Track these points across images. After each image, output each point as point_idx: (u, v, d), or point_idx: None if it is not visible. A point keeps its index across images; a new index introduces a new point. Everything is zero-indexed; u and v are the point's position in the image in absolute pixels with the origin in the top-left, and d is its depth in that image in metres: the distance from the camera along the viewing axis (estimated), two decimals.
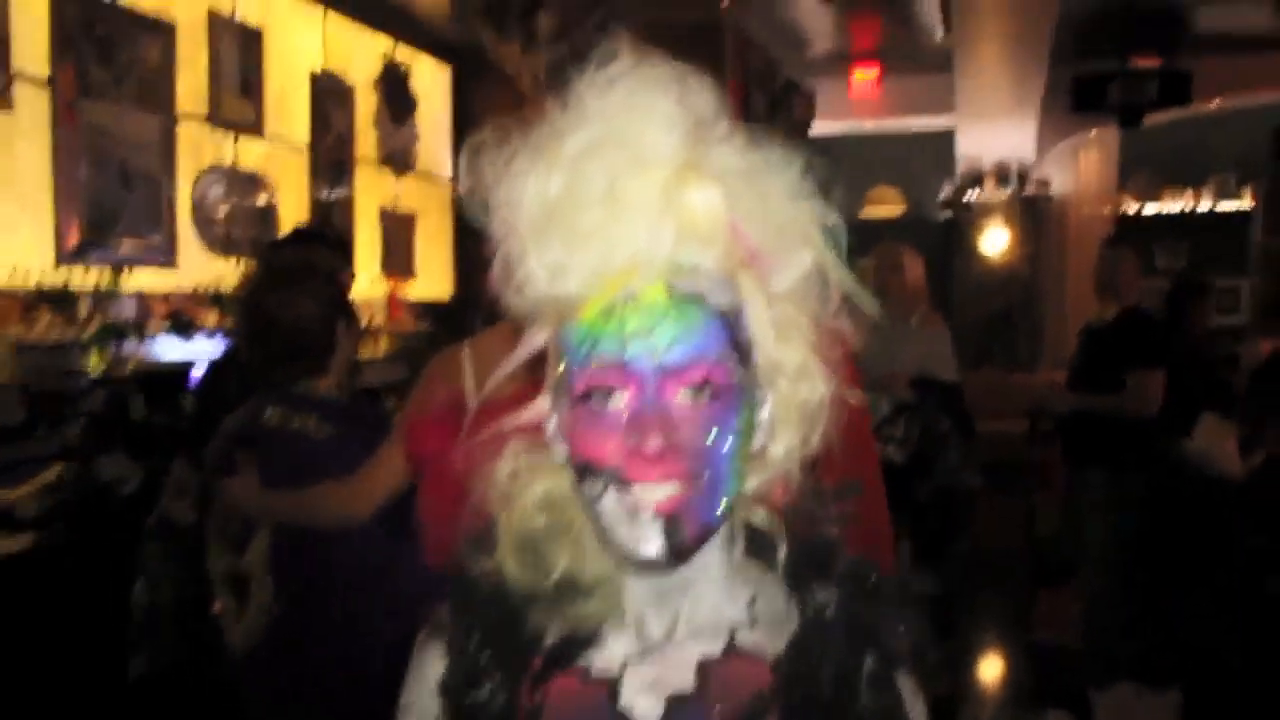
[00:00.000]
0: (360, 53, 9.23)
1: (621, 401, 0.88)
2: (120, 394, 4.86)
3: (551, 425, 0.97)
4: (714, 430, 0.88)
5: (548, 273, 0.88)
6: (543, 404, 0.99)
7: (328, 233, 3.61)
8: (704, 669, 0.95)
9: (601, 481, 0.88)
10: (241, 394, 2.64)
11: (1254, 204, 11.13)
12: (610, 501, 0.88)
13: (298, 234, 3.48)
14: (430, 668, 1.02)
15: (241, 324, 2.54)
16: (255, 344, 2.48)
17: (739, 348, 0.90)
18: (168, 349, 6.39)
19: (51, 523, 3.68)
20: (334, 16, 8.81)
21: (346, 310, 2.58)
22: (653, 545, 0.87)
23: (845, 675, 0.93)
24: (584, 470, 0.89)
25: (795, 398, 0.96)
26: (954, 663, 5.28)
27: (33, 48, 6.05)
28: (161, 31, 6.89)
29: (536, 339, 0.99)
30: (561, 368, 0.92)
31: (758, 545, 1.03)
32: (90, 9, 6.37)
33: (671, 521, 0.87)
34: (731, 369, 0.89)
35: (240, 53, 7.63)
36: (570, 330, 0.91)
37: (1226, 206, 12.12)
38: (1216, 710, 4.07)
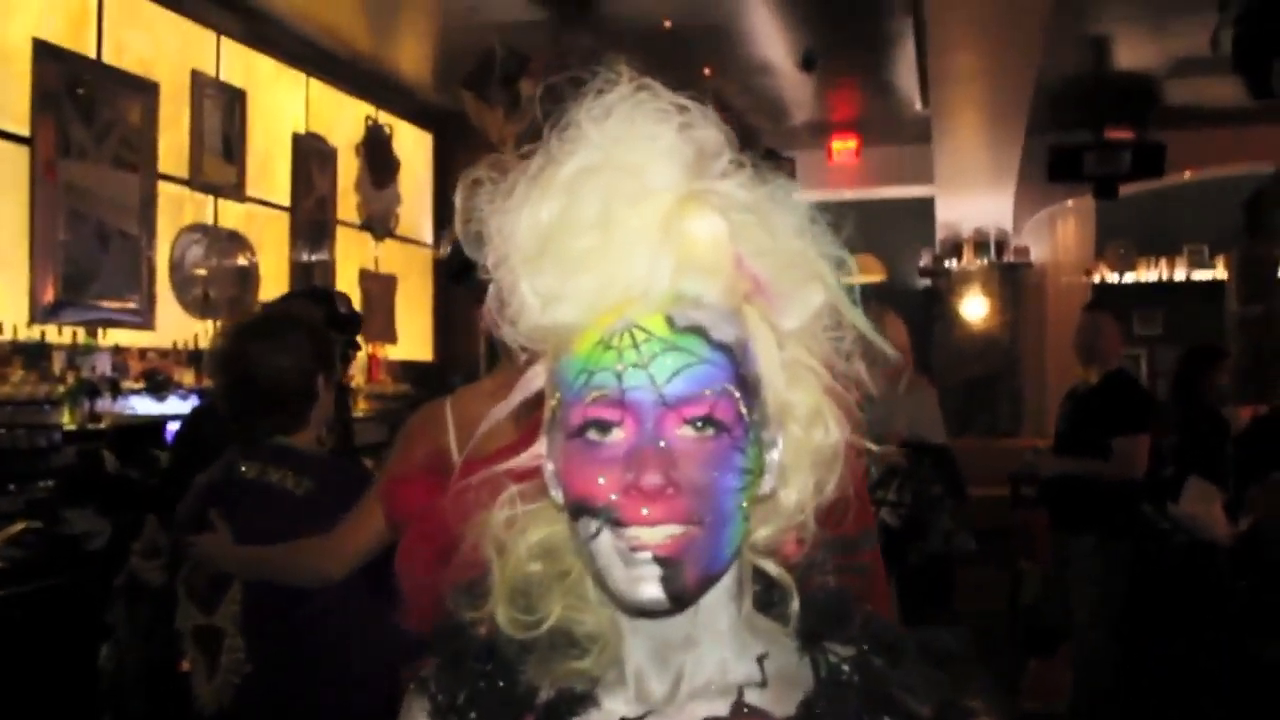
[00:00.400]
0: (343, 116, 9.29)
1: (619, 436, 0.82)
2: (93, 449, 4.77)
3: (549, 469, 0.90)
4: (718, 468, 0.82)
5: (541, 301, 0.84)
6: (540, 448, 0.93)
7: (334, 295, 3.56)
8: None
9: (596, 522, 0.82)
10: (217, 450, 2.58)
11: (1228, 274, 11.28)
12: (605, 543, 0.82)
13: (298, 293, 3.44)
14: None
15: (220, 375, 2.47)
16: (233, 395, 2.42)
17: (745, 383, 0.85)
18: (143, 406, 6.31)
19: (18, 575, 3.58)
20: (316, 83, 8.88)
21: (328, 363, 2.53)
22: (650, 588, 0.81)
23: None
24: (578, 509, 0.83)
25: (808, 443, 0.90)
26: None
27: (13, 104, 6.05)
28: (144, 91, 6.91)
29: (535, 381, 0.94)
30: (555, 401, 0.87)
31: (768, 598, 0.96)
32: (73, 66, 6.39)
33: (671, 565, 0.81)
34: (736, 404, 0.83)
35: (223, 113, 7.66)
36: (565, 363, 0.86)
37: (1200, 276, 12.29)
38: None
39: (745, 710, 0.88)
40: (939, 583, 4.73)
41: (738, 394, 0.83)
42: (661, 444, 0.81)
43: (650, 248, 0.81)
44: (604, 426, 0.82)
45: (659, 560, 0.80)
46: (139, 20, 7.01)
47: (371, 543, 2.18)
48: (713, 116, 0.88)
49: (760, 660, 0.91)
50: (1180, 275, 12.44)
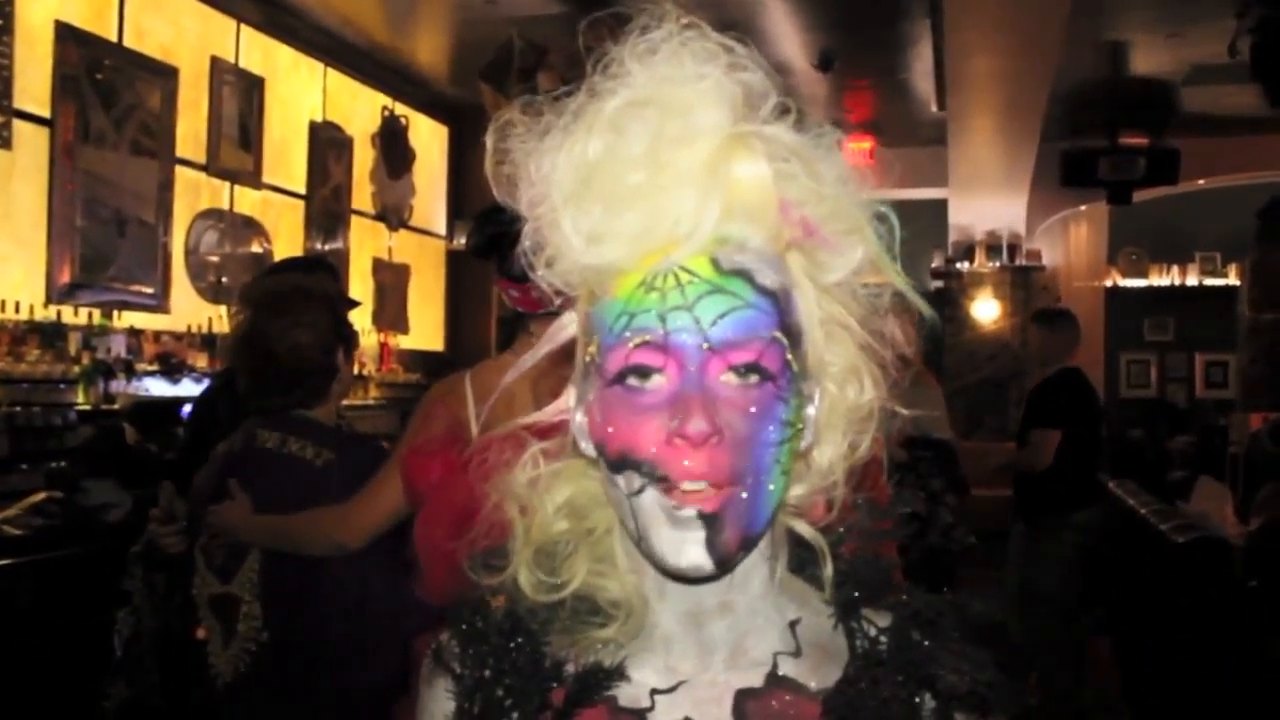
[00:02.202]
0: (360, 106, 9.32)
1: (660, 382, 0.79)
2: (114, 423, 4.80)
3: (578, 420, 0.87)
4: (761, 418, 0.79)
5: (584, 240, 0.81)
6: (565, 401, 0.91)
7: (323, 262, 3.57)
8: (743, 702, 0.85)
9: (640, 477, 0.78)
10: (233, 423, 2.59)
11: (1240, 281, 11.25)
12: (649, 500, 0.79)
13: (293, 262, 3.44)
14: (438, 706, 0.90)
15: (239, 351, 2.47)
16: (254, 371, 2.43)
17: (789, 331, 0.82)
18: (157, 388, 6.35)
19: (37, 544, 3.61)
20: (334, 73, 8.92)
21: (345, 336, 2.54)
22: (694, 552, 0.78)
23: (902, 718, 0.84)
24: (619, 463, 0.80)
25: (843, 401, 0.88)
26: None
27: (34, 87, 6.09)
28: (164, 76, 6.94)
29: (564, 331, 0.92)
30: (593, 347, 0.83)
31: (801, 560, 0.93)
32: (94, 50, 6.43)
33: (714, 524, 0.78)
34: (783, 351, 0.80)
35: (241, 100, 7.69)
36: (604, 305, 0.82)
37: (1213, 283, 12.26)
38: None
39: (780, 683, 0.86)
40: (938, 577, 4.72)
41: (783, 341, 0.81)
42: (707, 389, 0.78)
43: (697, 188, 0.78)
44: (645, 372, 0.80)
45: (703, 517, 0.78)
46: (160, 6, 7.05)
47: (389, 513, 2.19)
48: (759, 59, 0.85)
49: (793, 626, 0.89)
50: (1193, 282, 12.40)
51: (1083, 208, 11.87)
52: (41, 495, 3.97)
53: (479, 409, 2.17)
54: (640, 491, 0.79)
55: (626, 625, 0.87)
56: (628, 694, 0.86)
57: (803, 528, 0.91)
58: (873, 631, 0.88)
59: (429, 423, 2.20)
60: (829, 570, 0.91)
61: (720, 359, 0.79)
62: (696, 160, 0.79)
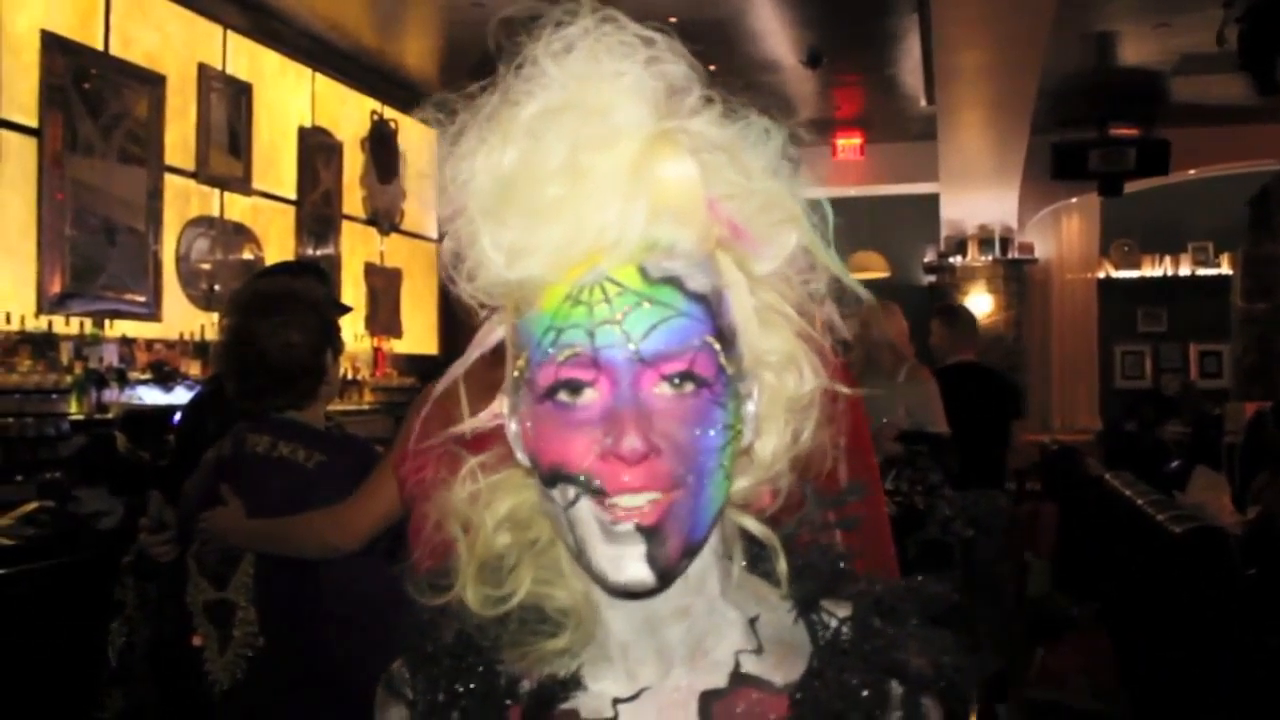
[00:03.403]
0: (348, 110, 9.30)
1: (592, 397, 0.77)
2: (106, 432, 4.79)
3: (512, 428, 0.85)
4: (699, 426, 0.77)
5: (505, 255, 0.77)
6: (499, 407, 0.87)
7: (312, 266, 3.57)
8: (708, 704, 0.84)
9: (574, 489, 0.76)
10: (222, 430, 2.57)
11: (1233, 271, 11.28)
12: (584, 512, 0.77)
13: (283, 266, 3.44)
14: None
15: (229, 354, 2.47)
16: (243, 373, 2.42)
17: (722, 335, 0.79)
18: (150, 396, 6.34)
19: (30, 553, 3.60)
20: (322, 77, 8.90)
21: (335, 340, 2.53)
22: (635, 567, 0.76)
23: (871, 706, 0.82)
24: (552, 477, 0.78)
25: (782, 391, 0.86)
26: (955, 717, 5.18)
27: (21, 96, 6.07)
28: (151, 83, 6.92)
29: (492, 335, 0.88)
30: (521, 361, 0.81)
31: (755, 557, 0.92)
32: (80, 58, 6.40)
33: (654, 535, 0.76)
34: (716, 357, 0.78)
35: (229, 106, 7.67)
36: (531, 319, 0.79)
37: (1205, 273, 12.29)
38: None
39: (744, 681, 0.85)
40: (937, 570, 4.73)
41: (717, 346, 0.78)
42: (639, 404, 0.76)
43: (621, 194, 0.75)
44: (576, 387, 0.77)
45: (642, 530, 0.76)
46: (146, 13, 7.03)
47: (384, 515, 2.17)
48: (680, 49, 0.82)
49: (753, 623, 0.87)
50: (1185, 272, 12.43)
51: (1074, 200, 11.90)
52: (34, 504, 3.97)
53: (473, 408, 2.16)
54: (575, 502, 0.77)
55: (578, 633, 0.85)
56: (590, 705, 0.84)
57: (752, 524, 0.89)
58: (833, 623, 0.86)
59: (425, 424, 2.18)
60: (782, 565, 0.89)
61: (653, 371, 0.77)
62: (618, 164, 0.76)
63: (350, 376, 8.48)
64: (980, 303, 11.54)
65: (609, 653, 0.86)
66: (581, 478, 0.76)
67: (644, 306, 0.76)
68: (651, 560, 0.76)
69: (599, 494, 0.76)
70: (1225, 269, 11.86)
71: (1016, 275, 11.68)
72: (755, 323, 0.84)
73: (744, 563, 0.91)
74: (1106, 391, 12.41)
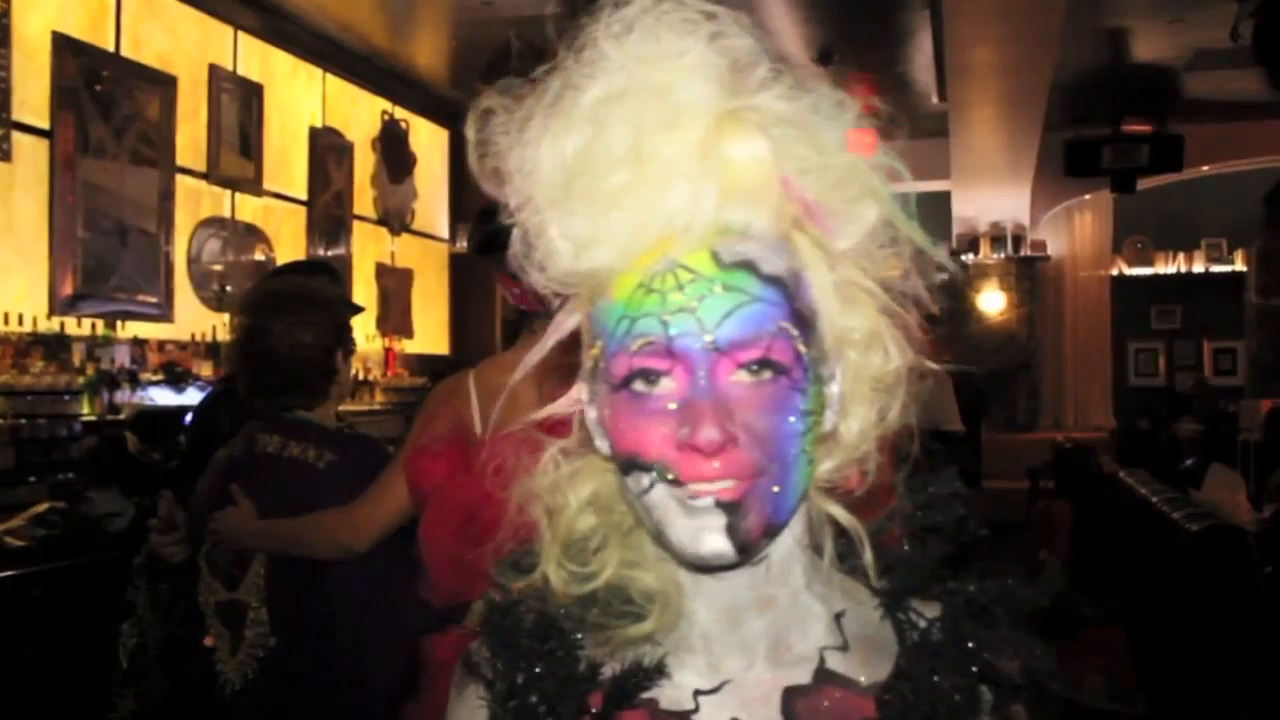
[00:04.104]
0: (359, 111, 9.31)
1: (669, 386, 0.75)
2: (117, 433, 4.80)
3: (591, 415, 0.84)
4: (778, 414, 0.75)
5: (573, 245, 0.76)
6: (579, 393, 0.86)
7: (324, 265, 3.57)
8: (791, 700, 0.81)
9: (649, 476, 0.75)
10: (234, 430, 2.57)
11: (1247, 267, 11.21)
12: (660, 494, 0.75)
13: (295, 265, 3.44)
14: (469, 714, 0.86)
15: (240, 353, 2.46)
16: (255, 372, 2.42)
17: (800, 318, 0.77)
18: (161, 397, 6.35)
19: (41, 554, 3.62)
20: (333, 78, 8.91)
21: (346, 340, 2.53)
22: (714, 539, 0.74)
23: (961, 711, 0.80)
24: (628, 465, 0.77)
25: (867, 369, 0.83)
26: None
27: (33, 98, 6.09)
28: (162, 85, 6.94)
29: (568, 322, 0.86)
30: (597, 350, 0.79)
31: (843, 553, 0.89)
32: (92, 60, 6.42)
33: (734, 511, 0.74)
34: (793, 342, 0.76)
35: (240, 108, 7.69)
36: (603, 307, 0.78)
37: (1219, 269, 12.22)
38: None
39: (829, 678, 0.82)
40: (954, 570, 4.71)
41: (794, 331, 0.76)
42: (716, 393, 0.74)
43: (689, 177, 0.73)
44: (652, 376, 0.75)
45: (722, 505, 0.74)
46: (157, 15, 7.04)
47: (395, 514, 2.17)
48: (745, 22, 0.80)
49: (838, 618, 0.85)
50: (1199, 269, 12.36)
51: (1087, 197, 11.85)
52: (44, 506, 3.98)
53: (482, 408, 2.15)
54: (650, 488, 0.76)
55: (663, 618, 0.83)
56: (669, 696, 0.82)
57: (839, 512, 0.87)
58: (922, 622, 0.84)
59: (432, 423, 2.18)
60: (868, 557, 0.86)
61: (729, 359, 0.74)
62: (685, 146, 0.74)
63: (362, 377, 8.48)
64: (993, 300, 11.51)
65: (691, 643, 0.84)
66: (657, 467, 0.75)
67: (717, 293, 0.74)
68: (731, 532, 0.74)
69: (675, 483, 0.74)
70: (1239, 265, 11.79)
71: (1029, 273, 11.64)
72: (836, 301, 0.81)
73: (832, 555, 0.89)
74: (1120, 389, 12.35)
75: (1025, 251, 11.54)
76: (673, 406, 0.75)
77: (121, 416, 5.88)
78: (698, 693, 0.82)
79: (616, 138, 0.75)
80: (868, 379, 0.84)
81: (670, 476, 0.74)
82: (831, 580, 0.87)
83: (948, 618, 0.84)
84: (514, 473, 0.90)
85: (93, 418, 5.89)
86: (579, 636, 0.85)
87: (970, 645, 0.82)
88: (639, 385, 0.76)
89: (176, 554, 2.45)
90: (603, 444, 0.82)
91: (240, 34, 7.78)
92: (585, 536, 0.87)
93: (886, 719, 0.80)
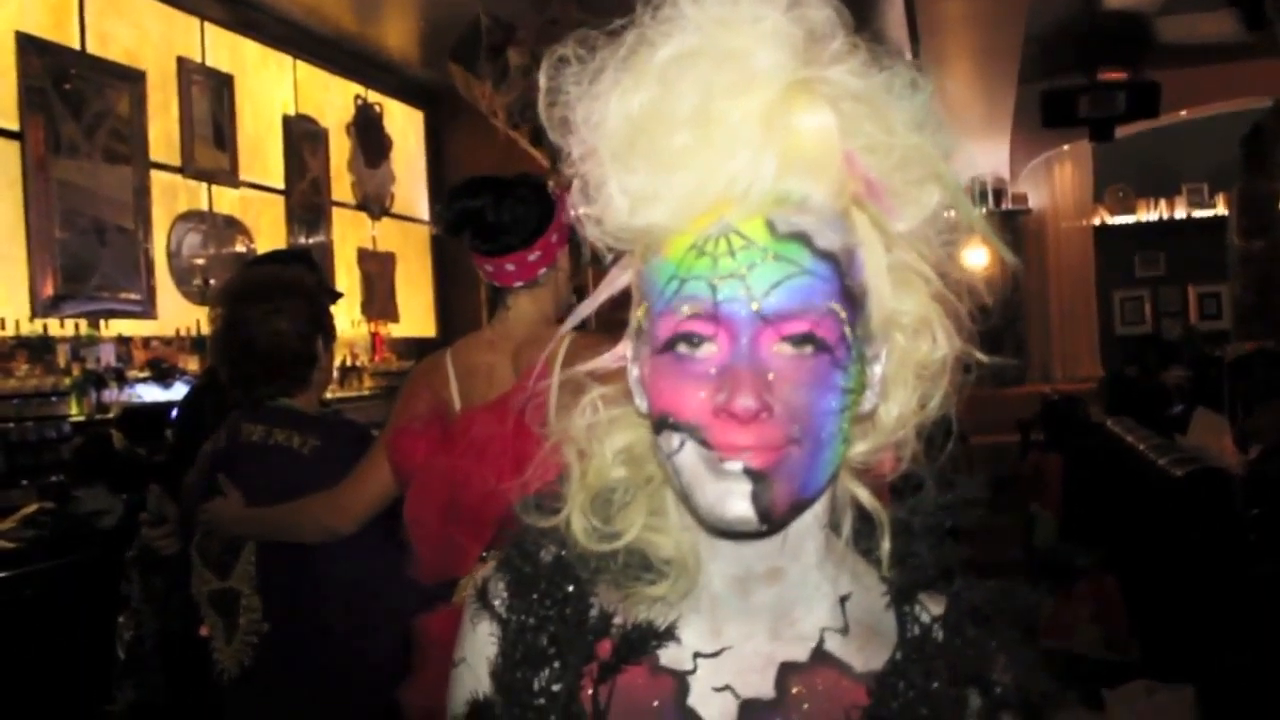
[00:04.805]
0: (332, 96, 9.26)
1: (711, 350, 0.75)
2: (102, 431, 4.81)
3: (634, 374, 0.84)
4: (817, 389, 0.75)
5: (631, 201, 0.76)
6: (624, 349, 0.87)
7: (302, 254, 3.58)
8: (786, 675, 0.82)
9: (681, 436, 0.75)
10: (219, 421, 2.59)
11: (1228, 211, 11.23)
12: (690, 455, 0.75)
13: (272, 255, 3.43)
14: (480, 647, 0.88)
15: (220, 341, 2.47)
16: (235, 361, 2.43)
17: (850, 296, 0.76)
18: (149, 394, 6.35)
19: (32, 554, 3.64)
20: (304, 65, 8.85)
21: (324, 325, 2.53)
22: (739, 504, 0.74)
23: (948, 713, 0.81)
24: (661, 423, 0.77)
25: (914, 354, 0.83)
26: None
27: (1, 101, 6.04)
28: (131, 80, 6.88)
29: (620, 279, 0.87)
30: (643, 310, 0.80)
31: (858, 533, 0.90)
32: (58, 58, 6.36)
33: (762, 479, 0.74)
34: (840, 320, 0.75)
35: (211, 99, 7.63)
36: (655, 266, 0.78)
37: (1201, 214, 12.24)
38: (1231, 705, 4.01)
39: (825, 659, 0.84)
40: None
41: (842, 311, 0.76)
42: (757, 362, 0.74)
43: (752, 143, 0.73)
44: (695, 340, 0.75)
45: (750, 473, 0.74)
46: (121, 10, 6.98)
47: (379, 495, 2.19)
48: None
49: (843, 601, 0.86)
50: (1181, 214, 12.38)
51: (1066, 147, 11.85)
52: (33, 507, 4.00)
53: (460, 386, 2.17)
54: (681, 448, 0.76)
55: (678, 584, 0.84)
56: (670, 654, 0.84)
57: (864, 496, 0.87)
58: (925, 619, 0.85)
59: (411, 403, 2.20)
60: (886, 545, 0.87)
61: (773, 330, 0.74)
62: (751, 112, 0.73)
63: (349, 363, 8.48)
64: (975, 256, 11.50)
65: (699, 606, 0.85)
66: (691, 428, 0.75)
67: (769, 262, 0.74)
68: (756, 499, 0.74)
69: (706, 446, 0.74)
70: (1221, 209, 11.80)
71: (1011, 226, 11.64)
72: (888, 283, 0.81)
73: (848, 537, 0.90)
74: (1107, 338, 12.40)
75: (1006, 205, 11.54)
76: (713, 371, 0.75)
77: (110, 415, 5.89)
78: (697, 655, 0.84)
79: (685, 98, 0.74)
80: (913, 364, 0.84)
81: (702, 439, 0.74)
82: (843, 561, 0.88)
83: (951, 619, 0.84)
84: (558, 410, 0.90)
85: (81, 418, 5.90)
86: (594, 585, 0.86)
87: (969, 652, 0.83)
88: (682, 348, 0.76)
89: (168, 546, 2.47)
90: (641, 402, 0.83)
91: (207, 25, 7.72)
92: (612, 489, 0.88)
93: (875, 708, 0.81)
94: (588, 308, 0.90)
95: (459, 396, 2.15)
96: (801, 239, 0.74)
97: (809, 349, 0.75)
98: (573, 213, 0.83)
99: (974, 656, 0.83)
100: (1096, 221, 12.43)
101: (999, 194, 11.50)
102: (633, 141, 0.76)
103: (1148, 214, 12.50)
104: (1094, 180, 12.33)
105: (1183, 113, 11.37)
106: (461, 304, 10.45)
